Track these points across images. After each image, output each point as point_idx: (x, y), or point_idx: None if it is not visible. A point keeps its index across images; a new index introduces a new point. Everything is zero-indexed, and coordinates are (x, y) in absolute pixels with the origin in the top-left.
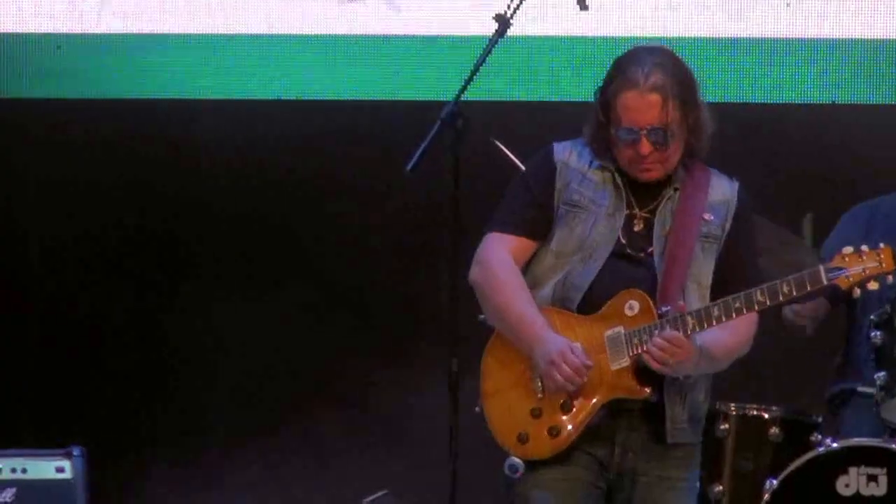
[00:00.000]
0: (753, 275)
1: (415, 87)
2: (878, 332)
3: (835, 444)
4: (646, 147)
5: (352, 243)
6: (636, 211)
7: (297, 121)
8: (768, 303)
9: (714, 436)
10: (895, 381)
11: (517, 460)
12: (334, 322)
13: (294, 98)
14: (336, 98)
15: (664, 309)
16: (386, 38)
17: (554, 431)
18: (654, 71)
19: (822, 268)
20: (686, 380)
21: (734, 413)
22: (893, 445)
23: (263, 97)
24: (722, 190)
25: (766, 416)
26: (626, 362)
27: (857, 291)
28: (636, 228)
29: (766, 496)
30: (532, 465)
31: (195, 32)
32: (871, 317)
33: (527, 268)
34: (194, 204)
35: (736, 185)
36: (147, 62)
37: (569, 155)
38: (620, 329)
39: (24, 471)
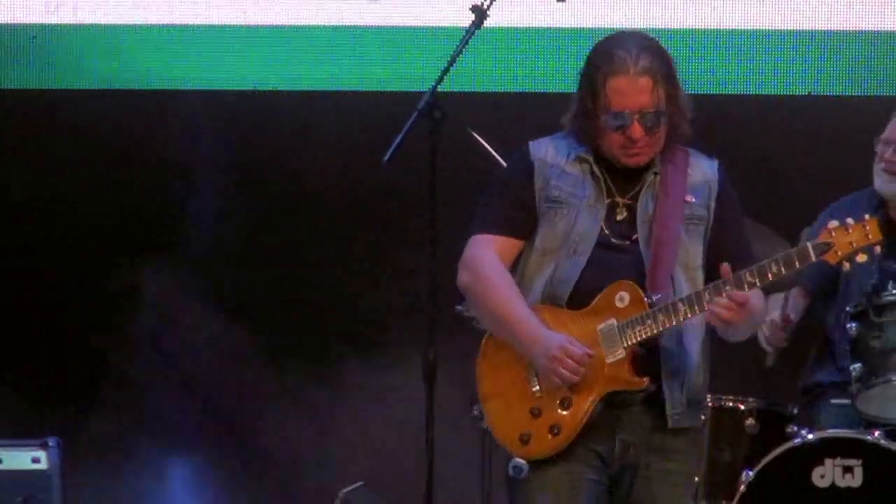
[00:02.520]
0: (744, 252)
1: (391, 78)
2: (854, 324)
3: (810, 436)
4: (637, 131)
5: (328, 234)
6: (618, 199)
7: (274, 111)
8: (758, 283)
9: None
10: (871, 372)
11: (521, 461)
12: (308, 313)
13: (270, 89)
14: (312, 89)
15: (655, 297)
16: (363, 29)
17: (555, 430)
18: (642, 54)
19: (809, 244)
20: (683, 364)
21: (710, 404)
22: (868, 437)
23: (239, 88)
24: (702, 170)
25: (743, 407)
26: (621, 354)
27: (847, 265)
28: (619, 217)
29: (743, 487)
30: (534, 464)
31: (171, 23)
32: (847, 309)
33: (514, 269)
34: (169, 195)
35: (715, 163)
36: (122, 52)
37: (545, 152)
38: (613, 321)
39: None
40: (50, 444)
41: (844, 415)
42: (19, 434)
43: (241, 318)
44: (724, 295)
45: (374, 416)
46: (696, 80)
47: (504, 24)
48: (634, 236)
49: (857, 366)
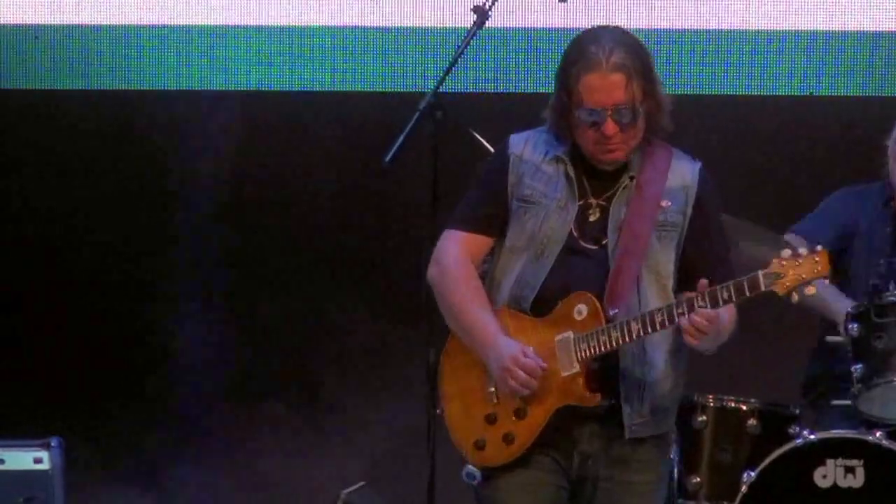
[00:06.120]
0: (717, 264)
1: (393, 79)
2: (855, 325)
3: (812, 436)
4: (611, 127)
5: (329, 235)
6: (591, 200)
7: (275, 112)
8: (709, 307)
9: (692, 427)
10: (872, 373)
11: (473, 469)
12: (312, 314)
13: (272, 89)
14: (314, 89)
15: (613, 311)
16: (365, 30)
17: (508, 438)
18: (615, 50)
19: (760, 273)
20: (645, 375)
21: (712, 405)
22: (870, 437)
23: (240, 88)
24: (682, 174)
25: (744, 407)
26: (575, 369)
27: (795, 297)
28: (591, 218)
29: (744, 488)
30: (496, 470)
31: (173, 24)
32: (849, 309)
33: (486, 266)
34: (170, 195)
35: (697, 167)
36: (125, 53)
37: (524, 147)
38: (570, 334)
39: (1, 461)
40: (52, 444)
41: (846, 415)
42: (21, 434)
43: (241, 318)
44: (687, 314)
45: (375, 416)
46: (696, 80)
47: (506, 25)
48: (605, 241)
49: (859, 366)
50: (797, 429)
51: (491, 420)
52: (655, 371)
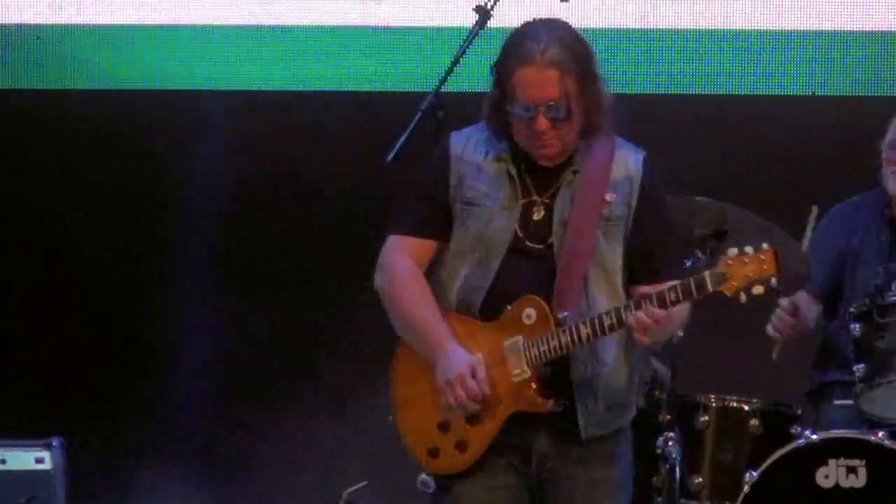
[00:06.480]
0: (662, 256)
1: (395, 78)
2: (858, 325)
3: (814, 436)
4: (543, 123)
5: (330, 233)
6: (535, 197)
7: (276, 111)
8: (656, 307)
9: (694, 427)
10: (874, 373)
11: (427, 478)
12: (314, 314)
13: (273, 89)
14: (316, 89)
15: (562, 314)
16: (367, 29)
17: (462, 446)
18: (550, 45)
19: (707, 274)
20: (598, 373)
21: (714, 405)
22: (872, 437)
23: (242, 88)
24: (625, 164)
25: (746, 407)
26: (526, 374)
27: (744, 297)
28: (536, 217)
29: (746, 488)
30: (451, 478)
31: (175, 23)
32: (851, 309)
33: (432, 271)
34: (170, 195)
35: (641, 156)
36: (127, 52)
37: (464, 146)
38: (519, 339)
39: (3, 461)
40: (53, 444)
41: (848, 415)
42: (22, 434)
43: (242, 317)
44: (637, 313)
45: (376, 416)
46: (696, 80)
47: (508, 25)
48: (550, 240)
49: (861, 366)
50: (799, 429)
51: (444, 428)
52: (607, 368)
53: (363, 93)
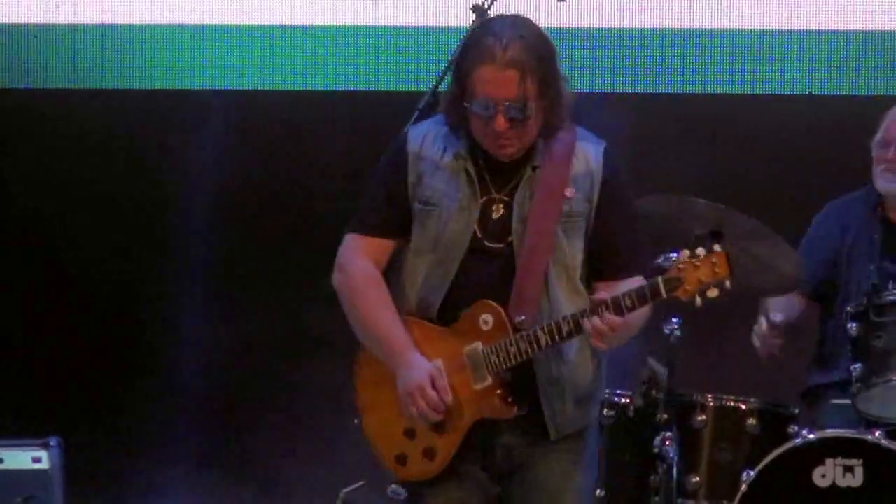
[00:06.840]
0: (627, 251)
1: (393, 78)
2: (855, 324)
3: (811, 436)
4: (501, 123)
5: (329, 234)
6: (494, 195)
7: (274, 111)
8: (611, 313)
9: (691, 427)
10: (871, 372)
11: (398, 487)
12: (313, 313)
13: (271, 88)
14: (312, 88)
15: (519, 319)
16: (364, 29)
17: (430, 453)
18: (511, 44)
19: (660, 279)
20: (562, 372)
21: (711, 404)
22: (869, 437)
23: (240, 87)
24: (586, 158)
25: (744, 407)
26: (489, 381)
27: (699, 301)
28: (495, 215)
29: (744, 487)
30: (421, 485)
31: (172, 23)
32: (848, 309)
33: (391, 268)
34: (169, 195)
35: (602, 148)
36: (124, 52)
37: (422, 143)
38: (478, 345)
39: (0, 461)
40: (51, 443)
41: (845, 415)
42: (20, 434)
43: (240, 317)
44: (594, 319)
45: None
46: (696, 80)
47: None
48: (510, 238)
49: (858, 366)
50: (796, 428)
51: (410, 435)
52: (571, 366)
53: (360, 92)
